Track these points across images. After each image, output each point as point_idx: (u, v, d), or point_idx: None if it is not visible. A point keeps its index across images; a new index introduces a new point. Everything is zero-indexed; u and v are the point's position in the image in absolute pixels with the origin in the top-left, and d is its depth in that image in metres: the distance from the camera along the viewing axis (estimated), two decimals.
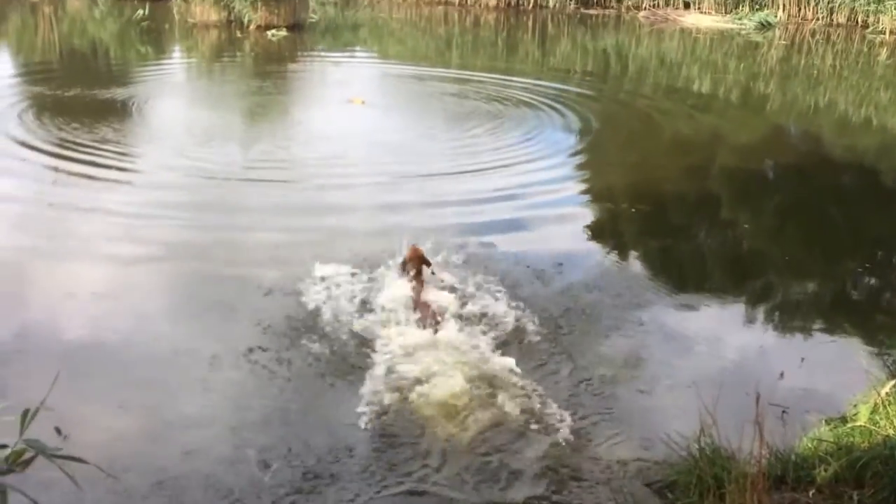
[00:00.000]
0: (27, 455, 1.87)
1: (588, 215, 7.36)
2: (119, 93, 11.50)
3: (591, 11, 23.61)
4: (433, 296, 5.22)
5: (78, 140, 8.75)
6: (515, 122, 10.41)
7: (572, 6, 23.80)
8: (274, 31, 17.85)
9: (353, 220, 6.67)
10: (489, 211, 7.05)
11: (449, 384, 4.23)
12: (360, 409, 4.05)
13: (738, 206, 7.95)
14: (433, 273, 5.49)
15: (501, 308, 5.10)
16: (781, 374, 4.43)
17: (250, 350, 4.56)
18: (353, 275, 5.48)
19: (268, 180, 7.80)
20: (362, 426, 3.93)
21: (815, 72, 15.84)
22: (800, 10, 21.72)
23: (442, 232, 6.34)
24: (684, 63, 17.14)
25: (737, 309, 5.58)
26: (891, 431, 3.49)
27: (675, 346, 4.92)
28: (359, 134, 9.82)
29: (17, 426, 1.90)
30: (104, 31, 19.91)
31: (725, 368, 4.69)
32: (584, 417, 4.08)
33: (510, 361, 4.46)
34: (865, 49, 18.55)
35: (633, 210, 7.53)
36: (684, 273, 6.11)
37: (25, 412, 2.42)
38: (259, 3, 18.04)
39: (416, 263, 5.43)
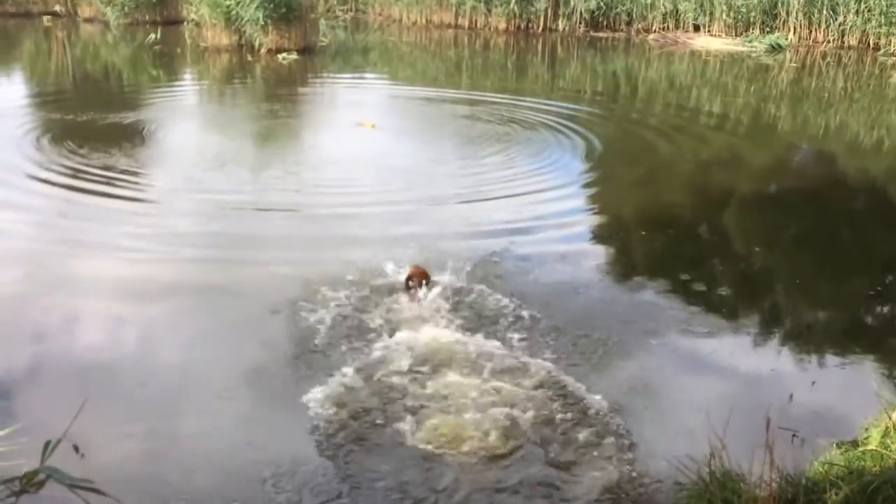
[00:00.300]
0: (40, 476, 1.89)
1: (599, 239, 7.32)
2: (131, 117, 11.57)
3: (601, 34, 23.63)
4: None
5: (89, 166, 8.79)
6: (525, 144, 10.43)
7: (582, 29, 23.83)
8: (284, 54, 17.95)
9: (361, 246, 6.62)
10: (499, 234, 7.03)
11: (458, 408, 4.27)
12: (372, 433, 4.05)
13: (748, 229, 7.91)
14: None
15: (512, 332, 5.12)
16: (791, 397, 4.38)
17: (262, 376, 4.56)
18: (362, 299, 5.49)
19: (278, 207, 7.78)
20: (375, 449, 3.93)
21: (826, 94, 15.79)
22: (811, 32, 21.67)
23: (452, 257, 6.33)
24: (694, 85, 17.14)
25: (747, 332, 5.53)
26: None
27: (685, 369, 4.89)
28: (368, 158, 9.81)
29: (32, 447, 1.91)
30: (117, 55, 20.09)
31: (736, 392, 4.66)
32: (594, 440, 4.06)
33: (520, 385, 4.47)
34: (877, 71, 18.49)
35: (644, 233, 7.51)
36: (695, 297, 6.05)
37: (47, 443, 2.39)
38: (270, 27, 18.16)
39: (419, 279, 5.70)
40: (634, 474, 3.83)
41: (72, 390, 4.38)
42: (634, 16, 23.68)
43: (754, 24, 22.12)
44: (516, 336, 5.09)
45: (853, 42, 21.03)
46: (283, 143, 10.93)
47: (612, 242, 7.28)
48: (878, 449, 3.58)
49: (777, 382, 4.85)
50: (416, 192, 8.36)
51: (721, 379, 4.82)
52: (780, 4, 21.82)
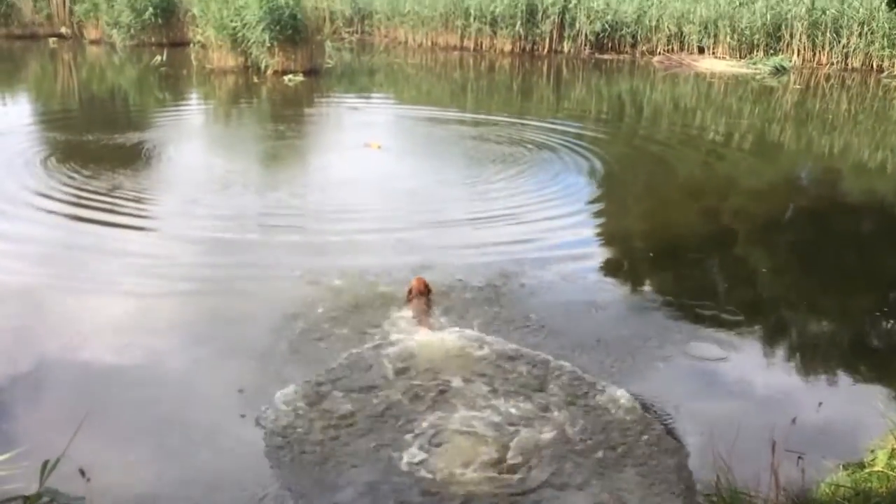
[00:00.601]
0: (43, 500, 1.88)
1: (606, 261, 7.29)
2: (137, 138, 11.59)
3: (606, 56, 23.72)
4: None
5: (94, 187, 8.79)
6: (531, 165, 10.44)
7: (587, 51, 23.93)
8: (290, 76, 18.02)
9: (367, 269, 6.58)
10: (505, 257, 7.00)
11: (468, 428, 4.28)
12: (380, 452, 4.05)
13: (755, 250, 7.89)
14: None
15: (522, 352, 5.11)
16: (794, 420, 4.36)
17: (267, 391, 4.52)
18: (367, 322, 5.48)
19: (284, 230, 7.72)
20: (383, 470, 3.92)
21: (830, 116, 15.80)
22: (814, 54, 21.73)
23: (458, 280, 6.37)
24: (699, 107, 17.19)
25: (754, 353, 5.51)
26: None
27: (691, 390, 4.85)
28: (375, 180, 9.81)
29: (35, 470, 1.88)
30: (123, 76, 20.17)
31: (742, 413, 4.61)
32: (600, 458, 4.06)
33: (526, 405, 4.49)
34: (880, 93, 18.53)
35: (651, 255, 7.50)
36: (701, 318, 6.03)
37: (45, 463, 2.38)
38: (276, 49, 18.24)
39: (420, 290, 5.86)
40: (639, 494, 3.82)
41: (74, 414, 4.31)
42: (639, 38, 23.80)
43: (758, 46, 22.21)
44: (523, 360, 5.07)
45: (857, 64, 21.08)
46: (290, 164, 10.93)
47: (619, 264, 7.26)
48: (885, 470, 3.59)
49: (783, 403, 4.83)
50: (422, 215, 8.30)
51: (727, 399, 4.80)
52: (783, 27, 21.92)
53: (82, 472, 2.41)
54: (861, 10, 20.44)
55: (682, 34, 23.23)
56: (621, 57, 23.73)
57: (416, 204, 8.72)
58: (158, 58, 20.19)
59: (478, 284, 6.29)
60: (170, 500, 3.75)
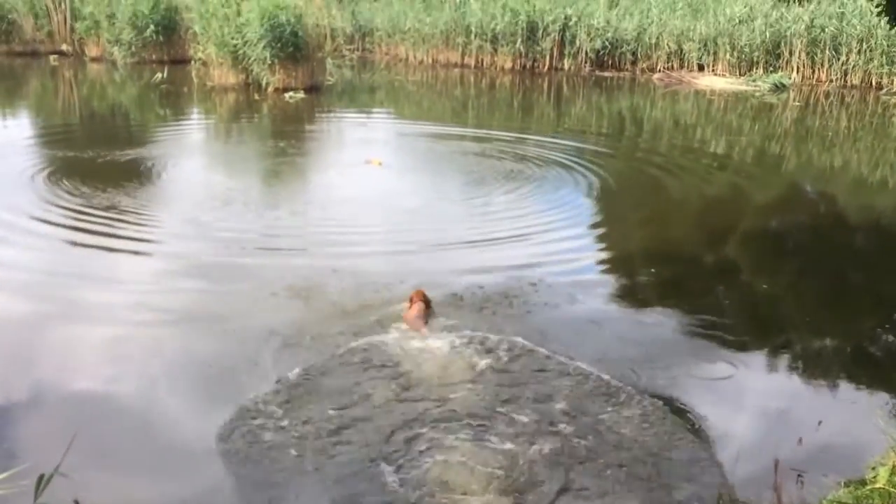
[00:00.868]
0: None
1: (608, 278, 7.27)
2: (137, 155, 11.61)
3: (606, 74, 23.80)
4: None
5: (93, 204, 8.77)
6: (533, 182, 10.44)
7: (587, 68, 24.01)
8: (291, 93, 18.07)
9: (365, 288, 6.54)
10: (508, 275, 6.96)
11: (468, 442, 4.28)
12: (381, 474, 3.99)
13: (755, 267, 7.88)
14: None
15: (527, 372, 5.09)
16: (800, 441, 4.37)
17: (265, 416, 4.48)
18: (366, 345, 5.43)
19: (284, 249, 7.68)
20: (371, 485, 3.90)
21: (830, 133, 15.81)
22: (814, 72, 21.80)
23: (462, 295, 6.37)
24: (699, 124, 17.22)
25: (755, 371, 5.48)
26: None
27: (693, 409, 4.81)
28: (376, 198, 9.78)
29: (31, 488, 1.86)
30: (124, 93, 20.22)
31: (744, 431, 4.60)
32: (602, 474, 4.05)
33: (530, 422, 4.48)
34: (880, 110, 18.56)
35: (653, 271, 7.49)
36: (704, 336, 6.01)
37: (40, 478, 2.36)
38: (277, 66, 18.29)
39: (419, 302, 5.91)
40: None
41: (65, 426, 4.33)
42: (639, 55, 23.91)
43: (758, 63, 22.28)
44: (527, 375, 5.05)
45: (856, 81, 21.14)
46: (290, 181, 10.92)
47: (621, 282, 7.23)
48: (886, 487, 3.60)
49: (785, 421, 4.82)
50: (424, 233, 8.27)
51: (729, 418, 4.76)
52: (783, 44, 22.00)
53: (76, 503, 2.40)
54: (859, 26, 20.51)
55: (681, 51, 23.32)
56: (621, 74, 23.82)
57: (418, 222, 8.69)
58: (159, 75, 20.24)
59: (478, 303, 6.27)
60: None
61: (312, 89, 18.81)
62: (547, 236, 8.26)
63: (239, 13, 18.51)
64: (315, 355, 5.27)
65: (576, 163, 11.71)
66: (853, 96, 20.22)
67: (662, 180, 11.06)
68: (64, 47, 26.15)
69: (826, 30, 21.10)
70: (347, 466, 4.09)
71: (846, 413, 5.02)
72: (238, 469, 4.09)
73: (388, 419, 4.49)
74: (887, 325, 6.42)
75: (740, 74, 22.39)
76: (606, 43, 23.85)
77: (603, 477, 4.05)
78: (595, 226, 8.94)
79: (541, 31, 23.98)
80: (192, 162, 11.92)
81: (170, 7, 23.83)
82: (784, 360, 5.75)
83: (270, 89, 18.40)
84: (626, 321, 6.26)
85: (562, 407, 4.68)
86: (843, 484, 3.89)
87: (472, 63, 25.06)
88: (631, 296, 6.86)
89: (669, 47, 23.37)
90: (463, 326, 5.72)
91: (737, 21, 22.41)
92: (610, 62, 24.28)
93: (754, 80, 21.69)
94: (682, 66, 23.37)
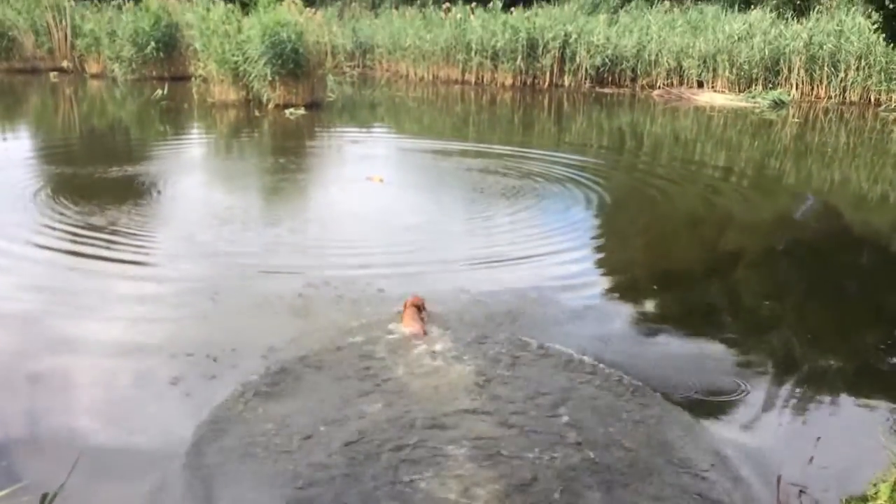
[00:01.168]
0: None
1: (610, 296, 7.22)
2: (136, 171, 11.58)
3: (606, 90, 23.91)
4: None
5: (88, 223, 8.70)
6: (535, 197, 10.42)
7: (587, 85, 24.14)
8: (292, 109, 18.11)
9: (368, 308, 6.48)
10: (511, 291, 6.93)
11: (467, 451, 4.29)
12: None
13: (757, 283, 7.85)
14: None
15: (529, 381, 5.08)
16: (811, 460, 4.35)
17: (266, 440, 4.43)
18: (366, 368, 5.38)
19: (284, 270, 7.49)
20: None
21: (829, 149, 15.83)
22: (812, 88, 21.88)
23: (463, 312, 6.34)
24: (699, 140, 17.25)
25: (757, 387, 5.41)
26: None
27: (695, 425, 4.78)
28: (377, 215, 9.75)
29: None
30: (124, 110, 20.25)
31: (745, 447, 4.56)
32: (602, 492, 4.02)
33: (533, 438, 4.46)
34: (879, 126, 18.61)
35: (655, 288, 7.47)
36: (705, 352, 5.99)
37: (44, 496, 2.34)
38: (278, 83, 18.34)
39: (416, 304, 6.06)
40: None
41: (70, 451, 4.30)
42: (639, 72, 24.04)
43: (757, 80, 22.39)
44: (529, 384, 5.04)
45: (854, 98, 21.21)
46: (291, 198, 10.87)
47: (624, 298, 7.19)
48: (888, 503, 3.55)
49: (785, 436, 4.79)
50: (426, 252, 8.21)
51: (730, 433, 4.72)
52: (782, 61, 22.10)
53: None
54: (857, 43, 20.60)
55: (681, 68, 23.44)
56: (621, 90, 23.93)
57: (419, 240, 8.62)
58: (160, 91, 20.30)
59: (480, 319, 6.23)
60: None
61: (313, 106, 18.85)
62: (549, 252, 8.22)
63: (240, 30, 18.60)
64: (317, 375, 5.24)
65: (577, 178, 11.71)
66: (852, 113, 20.28)
67: (663, 196, 11.06)
68: (64, 64, 26.25)
69: (824, 47, 21.20)
70: (350, 480, 4.06)
71: (847, 429, 4.99)
72: (235, 489, 4.06)
73: (383, 433, 4.47)
74: (889, 342, 6.40)
75: (740, 91, 22.49)
76: (606, 60, 24.00)
77: (604, 492, 4.02)
78: (597, 241, 8.91)
79: (541, 48, 24.14)
80: (192, 179, 11.86)
81: (170, 24, 23.94)
82: (785, 376, 5.71)
83: (271, 106, 18.45)
84: (628, 339, 6.23)
85: (563, 421, 4.64)
86: (844, 500, 3.90)
87: (473, 79, 25.20)
88: (634, 313, 6.83)
89: (669, 64, 23.50)
90: (460, 348, 5.69)
91: (736, 38, 22.53)
92: (610, 79, 24.42)
93: (754, 97, 21.77)
94: (681, 83, 23.47)
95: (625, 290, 7.45)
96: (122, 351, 5.76)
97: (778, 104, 21.12)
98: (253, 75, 18.34)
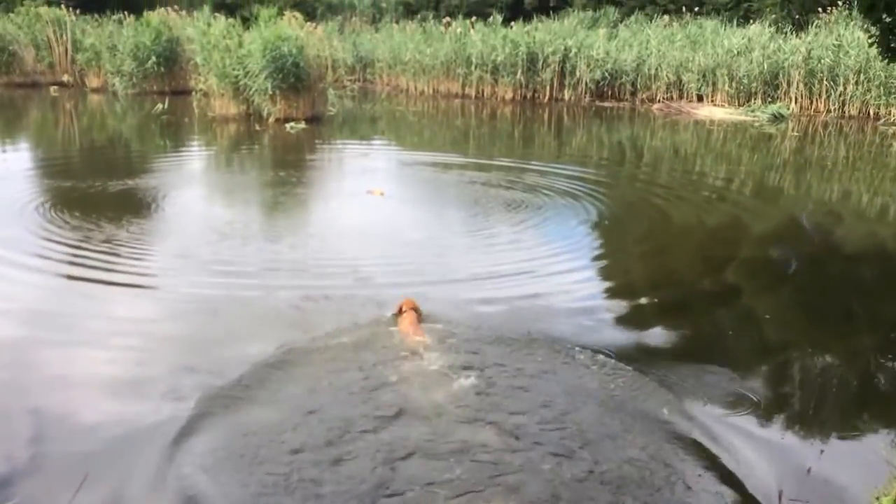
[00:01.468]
0: None
1: (614, 308, 7.21)
2: (136, 185, 11.57)
3: (606, 104, 23.97)
4: None
5: (88, 238, 8.67)
6: (536, 211, 10.43)
7: (587, 99, 24.21)
8: (292, 123, 18.11)
9: (368, 324, 6.44)
10: (512, 305, 6.93)
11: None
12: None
13: (758, 297, 7.84)
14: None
15: (536, 402, 5.04)
16: (805, 471, 4.33)
17: (267, 458, 4.41)
18: (364, 390, 5.35)
19: (285, 288, 7.38)
20: None
21: (829, 163, 15.84)
22: (811, 102, 21.93)
23: (463, 327, 6.30)
24: (699, 154, 17.26)
25: (758, 401, 5.39)
26: None
27: (696, 439, 4.76)
28: (378, 230, 9.72)
29: None
30: (124, 124, 20.27)
31: (746, 461, 4.53)
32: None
33: (535, 451, 4.45)
34: (878, 140, 18.63)
35: (657, 301, 7.46)
36: (706, 366, 5.96)
37: None
38: (278, 97, 18.36)
39: (410, 307, 6.18)
40: None
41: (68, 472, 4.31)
42: (639, 86, 24.11)
43: (756, 94, 22.45)
44: (535, 408, 5.00)
45: (853, 112, 21.27)
46: (291, 213, 10.83)
47: (625, 312, 7.17)
48: None
49: (787, 451, 4.76)
50: (427, 266, 8.18)
51: (731, 447, 4.69)
52: (781, 75, 22.16)
53: None
54: (854, 57, 20.66)
55: (680, 82, 23.51)
56: (621, 104, 23.99)
57: (420, 255, 8.60)
58: (160, 106, 20.33)
59: (481, 334, 6.20)
60: None
61: (313, 120, 18.87)
62: (551, 266, 8.21)
63: (241, 45, 18.63)
64: (318, 394, 5.21)
65: (578, 192, 11.71)
66: (851, 126, 20.32)
67: (663, 209, 11.05)
68: (65, 78, 26.32)
69: (823, 61, 21.26)
70: (346, 488, 4.05)
71: (849, 443, 5.00)
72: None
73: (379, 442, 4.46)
74: (890, 355, 6.40)
75: (739, 105, 22.54)
76: (606, 74, 24.07)
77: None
78: (598, 255, 8.90)
79: (541, 63, 24.22)
80: (192, 193, 11.83)
81: (171, 39, 24.01)
82: (786, 389, 5.71)
83: (271, 120, 18.46)
84: (630, 352, 6.19)
85: (562, 434, 4.63)
86: None
87: (473, 93, 25.26)
88: (635, 328, 6.80)
89: (668, 78, 23.57)
90: (460, 365, 5.69)
91: (735, 52, 22.61)
92: (610, 93, 24.48)
93: (753, 111, 21.82)
94: (681, 97, 23.53)
95: (624, 302, 7.44)
96: (121, 366, 5.74)
97: (777, 118, 21.16)
98: (253, 89, 18.36)
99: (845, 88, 21.21)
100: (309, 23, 20.93)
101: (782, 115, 21.28)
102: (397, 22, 31.92)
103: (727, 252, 9.35)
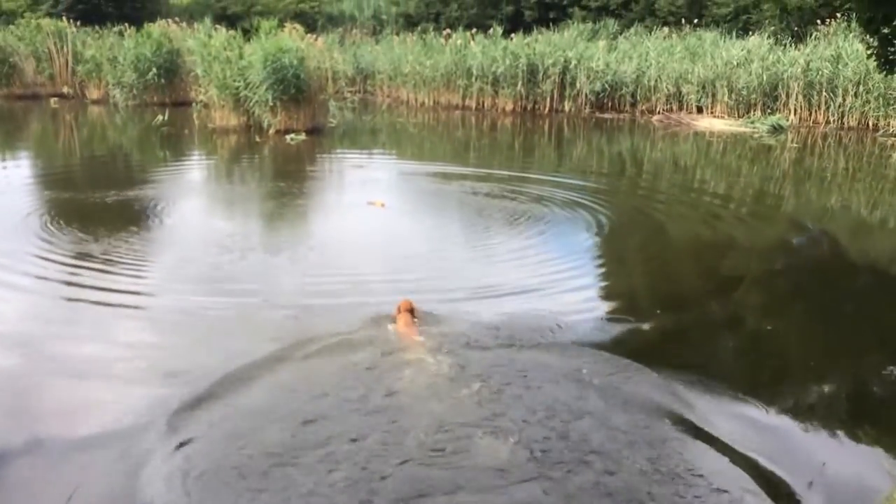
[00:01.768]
0: None
1: (614, 322, 7.17)
2: (135, 197, 11.57)
3: (606, 115, 24.01)
4: None
5: (86, 251, 8.64)
6: (537, 222, 10.42)
7: (587, 110, 24.25)
8: (293, 135, 18.13)
9: (368, 338, 6.40)
10: (513, 321, 6.84)
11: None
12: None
13: (759, 308, 7.83)
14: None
15: (539, 415, 5.02)
16: (807, 483, 4.33)
17: (267, 473, 4.40)
18: (364, 396, 5.33)
19: (285, 305, 7.26)
20: None
21: (829, 174, 15.86)
22: (811, 114, 21.96)
23: (466, 340, 6.28)
24: (698, 165, 17.28)
25: (759, 413, 5.39)
26: None
27: (698, 451, 4.75)
28: (379, 242, 9.70)
29: None
30: (124, 135, 20.30)
31: (748, 473, 4.52)
32: None
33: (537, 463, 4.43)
34: (877, 151, 18.65)
35: (658, 313, 7.45)
36: (708, 377, 5.95)
37: None
38: (279, 109, 18.39)
39: (407, 309, 6.34)
40: None
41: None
42: (638, 97, 24.16)
43: (755, 105, 22.48)
44: (536, 425, 4.98)
45: (853, 123, 21.28)
46: (291, 225, 10.79)
47: (627, 325, 7.15)
48: None
49: (788, 462, 4.73)
50: (428, 282, 8.04)
51: (733, 459, 4.68)
52: (780, 87, 22.20)
53: None
54: (851, 69, 20.70)
55: (680, 94, 23.55)
56: (621, 116, 24.03)
57: (421, 268, 8.55)
58: (160, 117, 20.35)
59: (483, 347, 6.20)
60: None
61: (314, 131, 18.89)
62: (552, 276, 8.21)
63: (241, 56, 18.67)
64: (315, 402, 5.19)
65: (579, 203, 11.70)
66: (850, 138, 20.35)
67: (664, 221, 11.06)
68: (65, 90, 26.38)
69: (822, 72, 21.30)
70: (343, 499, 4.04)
71: (850, 454, 4.98)
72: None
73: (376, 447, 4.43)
74: (891, 367, 6.38)
75: (738, 116, 22.57)
76: (606, 85, 24.11)
77: None
78: (599, 267, 8.90)
79: (541, 74, 24.28)
80: (191, 205, 11.81)
81: (172, 50, 24.08)
82: (788, 401, 5.68)
83: (272, 131, 18.49)
84: (633, 358, 6.16)
85: (561, 447, 4.61)
86: None
87: (474, 105, 25.32)
88: (638, 341, 6.79)
89: (668, 90, 23.61)
90: (463, 355, 5.71)
91: (734, 64, 22.66)
92: (610, 104, 24.53)
93: (752, 122, 21.85)
94: (681, 108, 23.57)
95: (626, 316, 7.41)
96: (120, 380, 5.73)
97: (777, 129, 21.19)
98: (254, 101, 18.39)
99: (844, 100, 21.24)
100: (309, 34, 20.99)
101: (782, 127, 21.31)
102: (398, 34, 32.03)
103: (728, 264, 9.36)
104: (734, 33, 25.60)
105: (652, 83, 23.89)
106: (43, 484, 4.36)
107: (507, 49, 24.81)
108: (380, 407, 5.03)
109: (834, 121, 21.50)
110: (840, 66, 21.04)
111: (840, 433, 5.24)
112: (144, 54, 23.56)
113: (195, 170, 15.68)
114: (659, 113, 23.69)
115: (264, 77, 17.91)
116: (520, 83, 24.36)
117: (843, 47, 21.29)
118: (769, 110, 22.33)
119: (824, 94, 21.50)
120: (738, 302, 8.08)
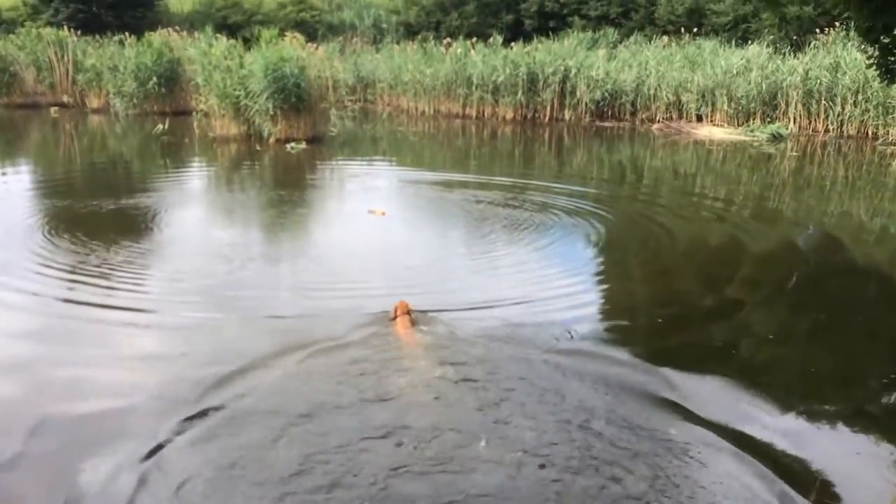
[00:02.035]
0: None
1: (614, 331, 7.18)
2: (135, 206, 11.57)
3: (606, 124, 24.06)
4: None
5: (87, 260, 8.63)
6: (537, 231, 10.41)
7: (587, 119, 24.32)
8: (293, 143, 18.16)
9: (365, 329, 6.49)
10: (514, 332, 6.81)
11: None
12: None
13: (760, 316, 7.83)
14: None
15: (541, 423, 5.01)
16: (807, 491, 4.32)
17: (263, 482, 4.39)
18: (363, 401, 5.32)
19: (284, 315, 7.26)
20: None
21: (828, 182, 15.87)
22: (810, 122, 22.00)
23: (465, 350, 6.26)
24: (698, 173, 17.29)
25: (760, 421, 5.37)
26: None
27: (699, 460, 4.73)
28: (379, 252, 9.66)
29: None
30: (125, 144, 20.31)
31: (749, 481, 4.51)
32: None
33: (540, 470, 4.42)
34: (876, 159, 18.67)
35: (660, 321, 7.45)
36: (707, 385, 5.95)
37: None
38: (279, 117, 18.41)
39: (403, 311, 6.45)
40: None
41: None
42: (638, 106, 24.24)
43: (755, 114, 22.53)
44: (539, 431, 4.97)
45: (852, 131, 21.32)
46: (291, 235, 10.74)
47: (628, 333, 7.16)
48: None
49: (789, 470, 4.72)
50: (428, 290, 7.98)
51: (733, 466, 4.67)
52: (779, 95, 22.25)
53: None
54: (850, 77, 20.74)
55: (680, 102, 23.61)
56: (621, 124, 24.09)
57: (421, 279, 8.48)
58: (161, 126, 20.38)
59: (484, 354, 6.20)
60: None
61: (314, 140, 18.92)
62: (554, 282, 8.22)
63: (242, 65, 18.71)
64: (313, 408, 5.18)
65: (579, 212, 11.70)
66: (850, 146, 20.37)
67: (663, 230, 11.05)
68: (65, 99, 26.44)
69: (821, 81, 21.35)
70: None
71: (851, 462, 4.96)
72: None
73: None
74: (892, 375, 6.38)
75: (738, 125, 22.62)
76: (606, 94, 24.19)
77: None
78: (600, 272, 8.91)
79: (541, 83, 24.35)
80: (191, 214, 11.82)
81: (172, 59, 24.13)
82: (788, 409, 5.66)
83: (272, 140, 18.51)
84: (635, 371, 6.18)
85: (565, 453, 4.60)
86: None
87: (474, 114, 25.39)
88: (639, 350, 6.77)
89: (668, 98, 23.68)
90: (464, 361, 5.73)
91: (734, 73, 22.72)
92: (610, 112, 24.61)
93: (752, 131, 21.89)
94: (680, 117, 23.62)
95: (631, 320, 7.44)
96: (118, 391, 5.70)
97: (776, 138, 21.23)
98: (254, 110, 18.41)
99: (843, 108, 21.28)
100: (310, 43, 21.07)
101: (781, 135, 21.35)
102: (398, 43, 32.13)
103: (729, 272, 9.32)
104: (733, 42, 25.71)
105: (652, 92, 23.97)
106: (37, 498, 4.35)
107: (507, 58, 24.89)
108: (378, 411, 5.03)
109: (833, 129, 21.54)
110: (839, 75, 21.11)
111: (848, 438, 5.25)
112: (145, 63, 23.62)
113: (195, 178, 15.68)
114: (659, 121, 23.73)
115: (265, 86, 17.94)
116: (520, 92, 24.42)
117: (841, 56, 21.36)
118: (769, 119, 22.38)
119: (823, 102, 21.56)
120: (742, 308, 8.07)
